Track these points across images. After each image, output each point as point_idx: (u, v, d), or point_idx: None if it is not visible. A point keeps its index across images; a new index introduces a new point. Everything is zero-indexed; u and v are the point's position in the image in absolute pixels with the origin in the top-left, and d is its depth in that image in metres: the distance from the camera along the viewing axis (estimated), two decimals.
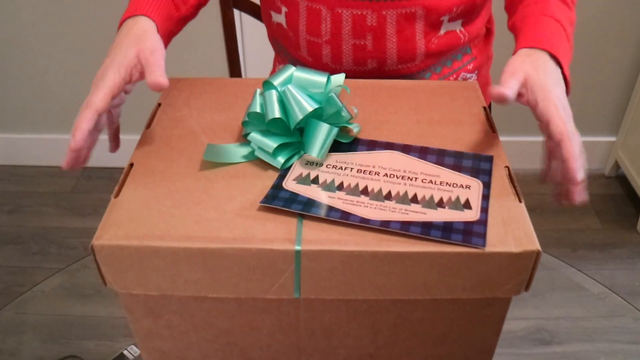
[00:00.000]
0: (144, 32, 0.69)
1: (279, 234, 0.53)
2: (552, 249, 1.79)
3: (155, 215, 0.55)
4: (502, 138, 0.65)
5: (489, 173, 0.60)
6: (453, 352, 0.62)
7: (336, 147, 0.63)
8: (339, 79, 0.67)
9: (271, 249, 0.52)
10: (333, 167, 0.61)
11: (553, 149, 0.62)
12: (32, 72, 1.96)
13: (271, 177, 0.60)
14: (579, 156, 0.59)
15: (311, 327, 0.59)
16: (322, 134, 0.61)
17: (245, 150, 0.63)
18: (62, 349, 0.93)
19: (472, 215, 0.55)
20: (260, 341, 0.61)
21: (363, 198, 0.56)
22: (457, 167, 0.61)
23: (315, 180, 0.59)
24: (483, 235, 0.52)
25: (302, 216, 0.55)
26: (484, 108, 0.71)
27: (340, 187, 0.58)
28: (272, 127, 0.62)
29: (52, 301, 1.07)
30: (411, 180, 0.59)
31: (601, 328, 1.03)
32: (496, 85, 0.62)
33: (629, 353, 0.92)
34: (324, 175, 0.59)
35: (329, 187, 0.58)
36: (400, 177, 0.59)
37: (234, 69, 1.26)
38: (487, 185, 0.58)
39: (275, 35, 0.96)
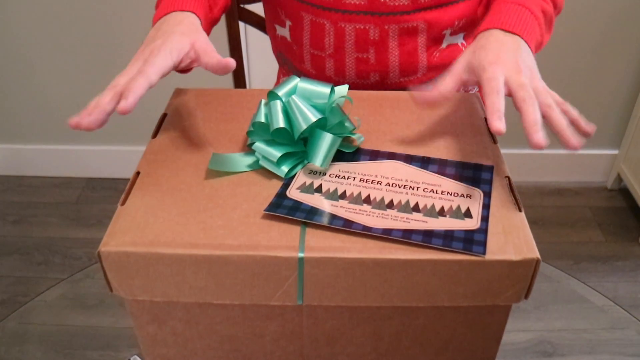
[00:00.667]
0: (196, 26, 0.69)
1: (282, 241, 0.54)
2: (554, 261, 1.80)
3: (161, 222, 0.56)
4: (503, 151, 0.66)
5: (489, 183, 0.61)
6: None
7: (339, 156, 0.64)
8: (342, 90, 0.68)
9: (275, 255, 0.52)
10: (336, 176, 0.62)
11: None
12: (37, 83, 1.98)
13: (275, 186, 0.61)
14: (535, 117, 0.57)
15: (314, 334, 0.60)
16: (326, 143, 0.62)
17: (249, 160, 0.64)
18: None
19: (473, 223, 0.55)
20: (264, 348, 0.61)
21: (365, 207, 0.57)
22: (458, 177, 0.62)
23: (319, 189, 0.60)
24: (483, 244, 0.53)
25: (305, 224, 0.56)
26: (485, 119, 0.72)
27: (343, 195, 0.59)
28: (276, 136, 0.63)
29: (55, 311, 1.07)
30: (413, 189, 0.60)
31: (604, 340, 1.04)
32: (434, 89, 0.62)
33: None
34: (327, 184, 0.60)
35: (332, 195, 0.59)
36: (402, 187, 0.60)
37: (239, 81, 1.28)
38: (487, 195, 0.59)
39: (280, 48, 0.97)
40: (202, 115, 0.72)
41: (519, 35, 0.68)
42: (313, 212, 0.56)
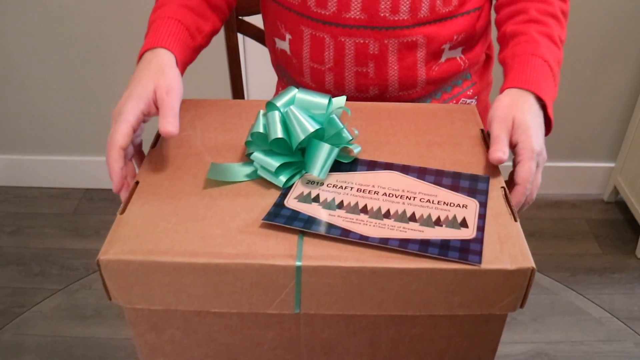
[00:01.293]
0: (163, 66, 0.70)
1: (280, 250, 0.54)
2: (551, 273, 1.80)
3: (160, 231, 0.56)
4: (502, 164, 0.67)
5: (485, 193, 0.62)
6: None
7: (337, 167, 0.65)
8: (340, 101, 0.69)
9: (273, 264, 0.53)
10: (334, 186, 0.62)
11: (510, 183, 0.67)
12: (34, 93, 1.98)
13: (273, 196, 0.61)
14: (520, 203, 0.66)
15: (311, 343, 0.60)
16: (324, 154, 0.62)
17: (248, 170, 0.64)
18: None
19: (469, 233, 0.56)
20: (262, 356, 0.62)
21: (362, 216, 0.58)
22: (454, 187, 0.62)
23: (316, 199, 0.60)
24: (479, 253, 0.54)
25: (303, 233, 0.56)
26: (482, 130, 0.73)
27: (340, 205, 0.59)
28: (274, 147, 0.63)
29: (52, 322, 1.07)
30: (410, 199, 0.60)
31: (600, 352, 1.04)
32: (493, 149, 0.66)
33: None
34: (325, 194, 0.61)
35: (329, 205, 0.59)
36: (399, 197, 0.61)
37: (237, 93, 1.28)
38: (483, 205, 0.60)
39: (279, 61, 0.98)
40: (200, 125, 0.73)
41: (544, 109, 0.73)
42: (311, 221, 0.57)
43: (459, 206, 0.60)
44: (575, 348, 1.10)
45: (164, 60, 0.71)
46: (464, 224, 0.57)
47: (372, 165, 0.66)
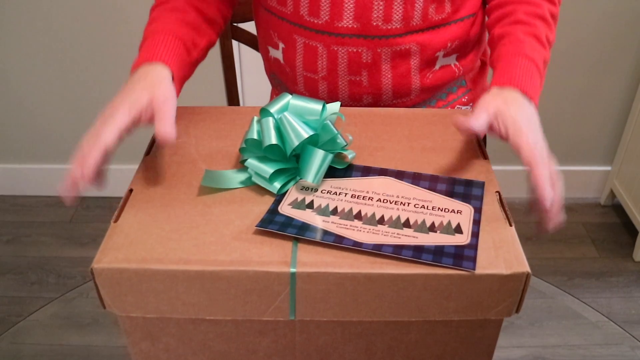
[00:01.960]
0: (160, 79, 0.70)
1: (274, 256, 0.54)
2: (548, 277, 1.80)
3: (154, 239, 0.56)
4: (497, 168, 0.67)
5: (480, 198, 0.62)
6: None
7: (331, 172, 0.65)
8: (334, 107, 0.69)
9: (267, 271, 0.53)
10: (328, 192, 0.62)
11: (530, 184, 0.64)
12: (29, 102, 1.98)
13: (267, 202, 0.61)
14: (547, 184, 0.60)
15: (307, 350, 0.60)
16: (318, 160, 0.62)
17: (242, 176, 0.64)
18: None
19: (463, 239, 0.56)
20: None
21: (356, 222, 0.58)
22: (449, 193, 0.62)
23: (310, 205, 0.60)
24: (473, 259, 0.53)
25: (297, 240, 0.56)
26: (476, 135, 0.73)
27: (334, 211, 0.59)
28: (268, 153, 0.63)
29: (48, 331, 1.07)
30: (404, 205, 0.60)
31: (598, 356, 1.04)
32: (462, 117, 0.64)
33: None
34: (319, 200, 0.61)
35: (323, 211, 0.59)
36: (394, 202, 0.61)
37: (232, 99, 1.29)
38: (478, 211, 0.60)
39: (273, 70, 0.98)
40: (195, 132, 0.73)
41: (529, 96, 0.71)
42: (305, 227, 0.57)
43: (454, 212, 0.59)
44: (573, 352, 1.10)
45: (161, 75, 0.71)
46: (458, 229, 0.57)
47: (367, 171, 0.66)
